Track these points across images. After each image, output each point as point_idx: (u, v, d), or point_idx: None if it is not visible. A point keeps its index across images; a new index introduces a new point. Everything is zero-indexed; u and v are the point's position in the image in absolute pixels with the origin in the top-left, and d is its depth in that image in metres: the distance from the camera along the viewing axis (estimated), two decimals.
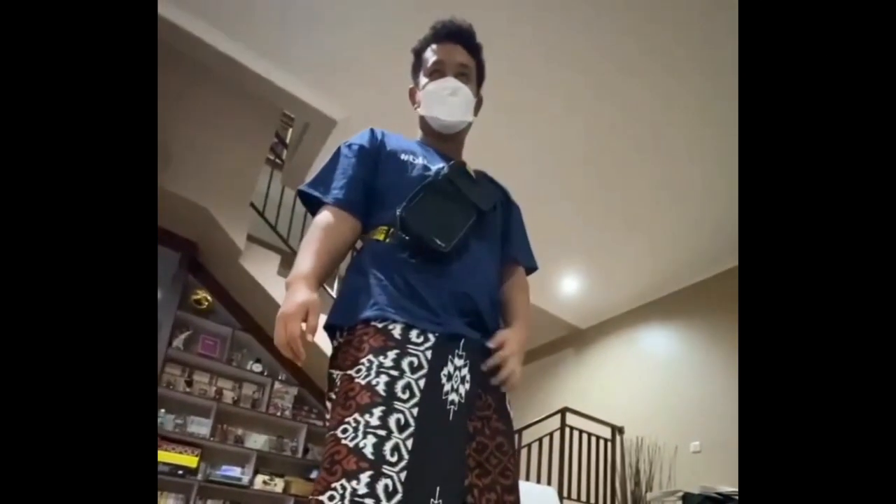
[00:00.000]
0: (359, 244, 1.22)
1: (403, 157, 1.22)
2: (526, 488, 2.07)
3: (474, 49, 1.33)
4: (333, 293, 4.57)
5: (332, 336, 1.12)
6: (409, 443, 0.90)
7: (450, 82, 1.27)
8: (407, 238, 1.09)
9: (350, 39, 3.15)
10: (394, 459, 0.88)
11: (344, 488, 0.85)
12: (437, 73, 1.28)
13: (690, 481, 3.88)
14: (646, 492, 4.32)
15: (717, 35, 2.84)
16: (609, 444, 4.77)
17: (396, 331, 1.00)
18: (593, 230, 4.47)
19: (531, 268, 1.35)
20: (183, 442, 4.37)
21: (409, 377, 0.96)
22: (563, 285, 5.15)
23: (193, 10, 3.05)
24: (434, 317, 1.04)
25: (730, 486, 3.30)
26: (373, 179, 1.20)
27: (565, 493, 4.27)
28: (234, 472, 4.58)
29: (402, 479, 0.87)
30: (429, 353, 1.00)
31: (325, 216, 1.14)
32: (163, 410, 4.38)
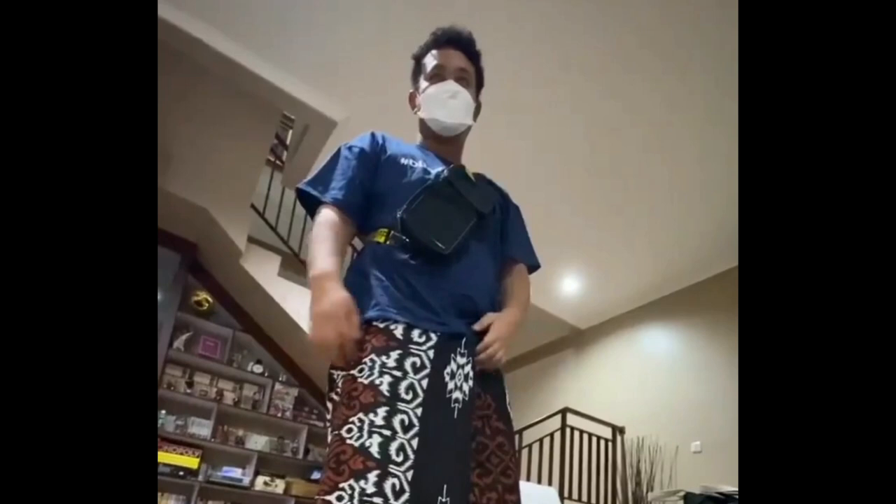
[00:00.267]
0: (359, 246, 1.22)
1: (404, 160, 1.22)
2: (527, 489, 2.07)
3: (474, 55, 1.35)
4: None
5: None
6: (415, 443, 0.91)
7: (450, 85, 1.28)
8: (407, 240, 1.10)
9: (350, 40, 3.15)
10: (399, 459, 0.89)
11: (352, 488, 0.85)
12: (437, 77, 1.30)
13: (691, 481, 3.88)
14: (647, 492, 4.32)
15: (720, 34, 2.84)
16: (610, 444, 4.77)
17: (398, 331, 1.01)
18: (593, 230, 4.47)
19: (533, 265, 1.35)
20: (184, 443, 4.37)
21: (411, 378, 0.96)
22: (563, 286, 5.15)
23: (192, 11, 3.05)
24: (435, 317, 1.05)
25: (731, 486, 3.30)
26: (372, 183, 1.20)
27: (566, 494, 4.27)
28: (235, 473, 4.58)
29: (409, 478, 0.88)
30: (431, 353, 1.00)
31: (329, 215, 1.14)
32: (163, 412, 4.38)
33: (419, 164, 1.22)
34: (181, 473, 4.25)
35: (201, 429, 4.52)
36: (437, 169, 1.21)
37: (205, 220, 4.06)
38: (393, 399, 0.93)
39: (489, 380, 1.10)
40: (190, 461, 4.34)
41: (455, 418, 0.97)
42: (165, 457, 4.21)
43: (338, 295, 0.99)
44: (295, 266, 4.75)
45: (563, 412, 4.59)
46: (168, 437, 4.30)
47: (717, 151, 3.54)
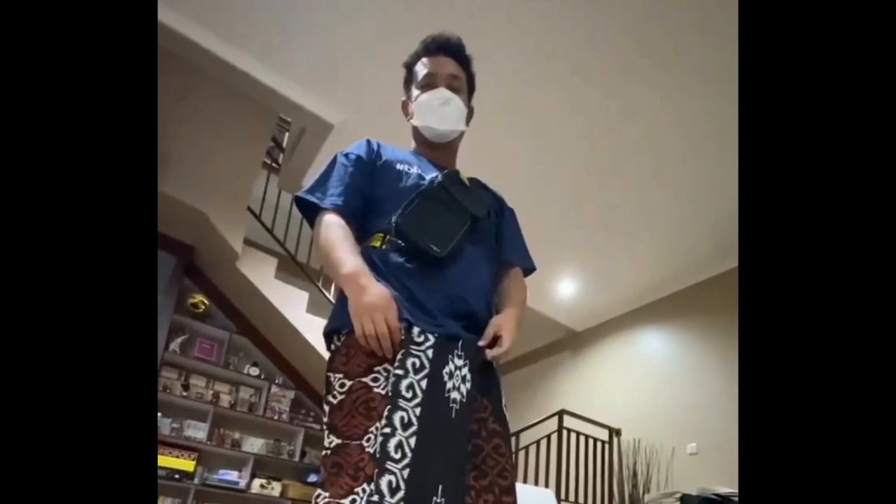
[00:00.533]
0: None
1: (399, 166, 1.24)
2: (523, 491, 2.07)
3: (464, 61, 1.36)
4: (331, 297, 4.57)
5: (329, 340, 1.13)
6: (412, 441, 0.93)
7: (442, 93, 1.29)
8: (402, 244, 1.12)
9: (347, 44, 3.16)
10: (397, 456, 0.91)
11: (365, 491, 0.90)
12: (428, 85, 1.31)
13: (688, 483, 3.89)
14: (643, 493, 4.32)
15: (720, 38, 2.86)
16: (606, 446, 4.77)
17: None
18: (590, 233, 4.48)
19: (529, 268, 1.36)
20: (180, 446, 4.36)
21: (412, 377, 0.99)
22: (559, 288, 5.16)
23: (189, 14, 3.06)
24: (432, 319, 1.06)
25: (727, 487, 3.31)
26: (369, 189, 1.22)
27: (563, 496, 4.27)
28: (231, 475, 4.57)
29: (405, 476, 0.89)
30: (430, 353, 1.02)
31: (333, 219, 1.15)
32: (159, 414, 4.37)
33: (414, 170, 1.24)
34: (177, 476, 4.24)
35: (197, 431, 4.50)
36: (431, 174, 1.22)
37: (201, 222, 4.05)
38: (394, 397, 0.96)
39: (486, 382, 1.10)
40: (186, 464, 4.33)
41: (453, 419, 0.98)
42: (161, 459, 4.20)
43: (379, 288, 1.03)
44: (291, 269, 4.75)
45: (560, 414, 4.60)
46: (164, 440, 4.28)
47: (715, 155, 3.56)
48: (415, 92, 1.33)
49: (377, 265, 1.11)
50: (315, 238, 1.17)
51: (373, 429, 0.95)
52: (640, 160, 3.71)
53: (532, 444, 4.73)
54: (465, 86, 1.36)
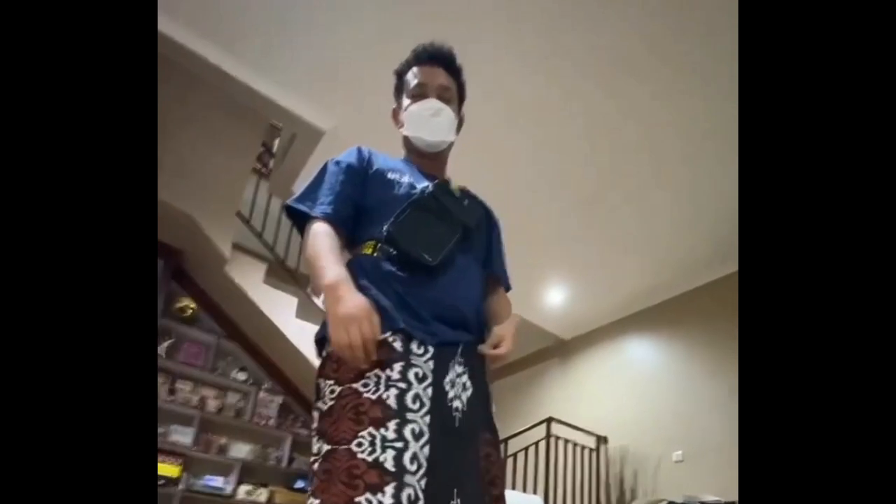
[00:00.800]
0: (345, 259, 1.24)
1: (390, 175, 1.24)
2: (512, 497, 2.08)
3: (455, 71, 1.37)
4: (320, 304, 4.55)
5: (320, 346, 1.13)
6: (426, 450, 0.94)
7: (432, 103, 1.30)
8: (394, 252, 1.12)
9: (338, 50, 3.16)
10: (413, 468, 0.91)
11: (370, 501, 0.87)
12: (419, 95, 1.32)
13: (674, 490, 3.92)
14: (630, 500, 4.34)
15: (721, 38, 2.86)
16: (594, 453, 4.79)
17: (397, 343, 1.03)
18: (579, 241, 4.50)
19: (507, 288, 1.38)
20: (165, 451, 4.30)
21: (416, 388, 0.99)
22: (548, 296, 5.18)
23: (181, 20, 3.06)
24: (426, 326, 1.07)
25: (713, 495, 3.33)
26: (361, 197, 1.22)
27: (551, 502, 4.28)
28: (217, 481, 4.52)
29: (423, 486, 0.90)
30: (431, 364, 1.03)
31: (322, 227, 1.15)
32: None
33: (406, 179, 1.24)
34: (162, 482, 4.18)
35: (183, 437, 4.45)
36: (422, 184, 1.23)
37: (190, 226, 4.03)
38: (402, 410, 0.96)
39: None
40: (171, 469, 4.27)
41: (457, 426, 1.00)
42: None
43: (358, 298, 1.01)
44: (280, 274, 4.73)
45: (548, 421, 4.61)
46: None
47: (710, 161, 3.59)
48: (405, 101, 1.34)
49: (368, 273, 1.11)
50: (303, 247, 1.16)
51: (364, 434, 0.94)
52: (640, 160, 3.71)
53: (520, 451, 4.74)
54: (456, 96, 1.37)
